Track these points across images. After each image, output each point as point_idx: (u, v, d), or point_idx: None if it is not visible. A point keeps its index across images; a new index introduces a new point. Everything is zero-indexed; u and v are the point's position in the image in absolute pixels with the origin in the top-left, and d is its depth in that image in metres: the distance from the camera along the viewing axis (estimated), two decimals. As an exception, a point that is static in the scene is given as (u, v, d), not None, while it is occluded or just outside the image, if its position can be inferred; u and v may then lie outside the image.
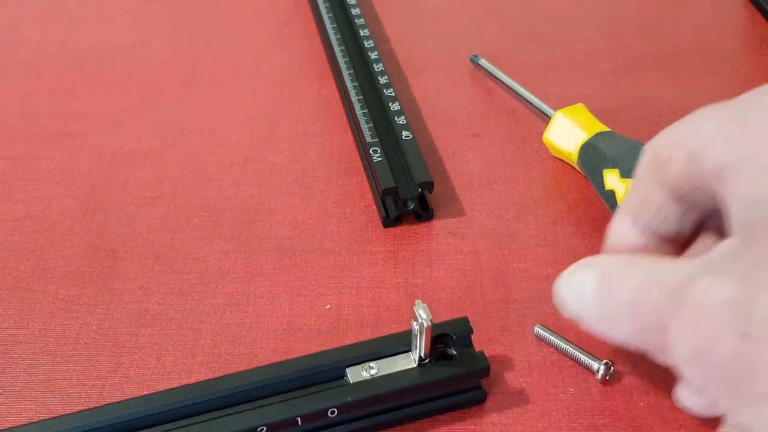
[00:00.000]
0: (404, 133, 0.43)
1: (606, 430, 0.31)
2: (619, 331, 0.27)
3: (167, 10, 0.58)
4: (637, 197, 0.30)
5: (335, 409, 0.30)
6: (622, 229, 0.30)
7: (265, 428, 0.30)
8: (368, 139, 0.42)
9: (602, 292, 0.27)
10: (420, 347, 0.31)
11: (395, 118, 0.44)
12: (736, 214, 0.24)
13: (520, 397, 0.33)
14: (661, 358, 0.25)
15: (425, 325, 0.30)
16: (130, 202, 0.43)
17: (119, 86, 0.51)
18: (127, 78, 0.52)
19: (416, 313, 0.30)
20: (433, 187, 0.40)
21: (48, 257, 0.40)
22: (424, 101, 0.48)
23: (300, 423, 0.30)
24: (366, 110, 0.45)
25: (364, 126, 0.43)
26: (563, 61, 0.51)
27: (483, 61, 0.49)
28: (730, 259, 0.23)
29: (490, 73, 0.49)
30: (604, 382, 0.33)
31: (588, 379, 0.33)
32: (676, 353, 0.24)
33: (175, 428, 0.30)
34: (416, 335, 0.30)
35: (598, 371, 0.33)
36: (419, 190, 0.40)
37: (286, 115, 0.48)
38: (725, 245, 0.24)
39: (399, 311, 0.36)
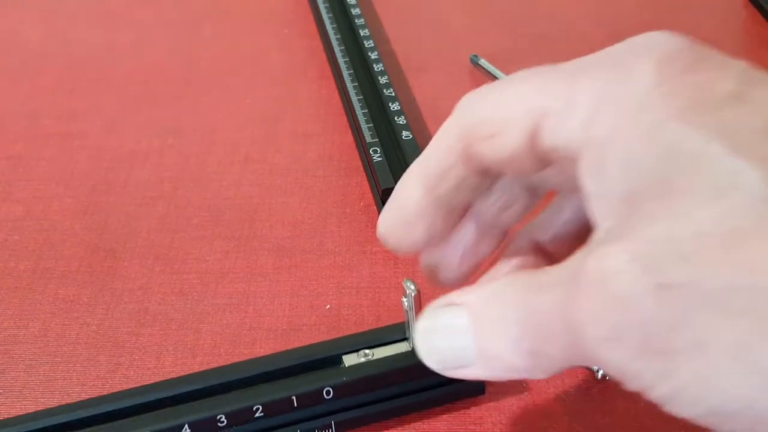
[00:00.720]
0: (404, 133, 0.43)
1: (606, 430, 0.31)
2: (516, 358, 0.22)
3: (167, 10, 0.58)
4: (436, 162, 0.26)
5: (330, 390, 0.30)
6: (408, 187, 0.26)
7: (260, 407, 0.30)
8: (368, 139, 0.42)
9: (481, 324, 0.23)
10: (413, 326, 0.31)
11: (395, 118, 0.44)
12: (610, 186, 0.21)
13: (520, 397, 0.33)
14: (577, 359, 0.22)
15: (413, 296, 0.29)
16: (130, 202, 0.43)
17: (119, 86, 0.51)
18: (127, 78, 0.52)
19: (404, 287, 0.30)
20: (433, 187, 0.40)
21: (48, 257, 0.40)
22: (424, 101, 0.48)
23: (296, 404, 0.30)
24: (366, 110, 0.45)
25: (364, 126, 0.43)
26: (563, 61, 0.51)
27: (483, 61, 0.49)
28: (617, 231, 0.20)
29: (490, 73, 0.49)
30: (604, 381, 0.33)
31: (588, 379, 0.33)
32: (591, 340, 0.20)
33: (171, 413, 0.30)
34: (408, 311, 0.30)
35: (598, 371, 0.33)
36: (419, 190, 0.39)
37: (286, 115, 0.48)
38: (603, 224, 0.21)
39: (399, 311, 0.36)
